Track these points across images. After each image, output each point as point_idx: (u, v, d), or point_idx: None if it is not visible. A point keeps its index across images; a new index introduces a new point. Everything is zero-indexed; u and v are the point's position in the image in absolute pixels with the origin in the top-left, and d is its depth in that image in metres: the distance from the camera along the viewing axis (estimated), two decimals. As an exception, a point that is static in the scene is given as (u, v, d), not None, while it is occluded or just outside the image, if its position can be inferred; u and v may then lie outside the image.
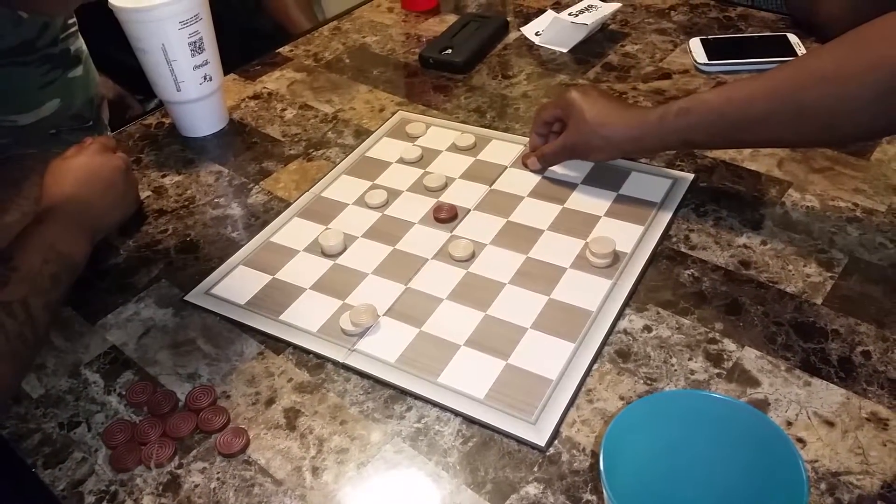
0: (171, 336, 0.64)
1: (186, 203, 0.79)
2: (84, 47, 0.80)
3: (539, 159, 0.75)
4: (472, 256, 0.68)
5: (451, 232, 0.71)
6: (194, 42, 0.82)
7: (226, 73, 0.92)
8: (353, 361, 0.60)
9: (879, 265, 0.63)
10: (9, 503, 0.57)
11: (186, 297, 0.68)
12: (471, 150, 0.81)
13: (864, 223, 0.67)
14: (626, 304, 0.62)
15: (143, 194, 0.81)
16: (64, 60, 0.76)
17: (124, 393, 0.60)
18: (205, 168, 0.84)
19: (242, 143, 0.88)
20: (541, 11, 1.06)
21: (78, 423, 0.58)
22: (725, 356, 0.57)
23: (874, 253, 0.64)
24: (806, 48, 0.89)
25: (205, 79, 0.85)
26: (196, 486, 0.53)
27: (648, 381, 0.56)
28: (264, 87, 0.98)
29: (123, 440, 0.56)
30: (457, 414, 0.55)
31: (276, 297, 0.66)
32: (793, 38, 0.91)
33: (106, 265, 0.72)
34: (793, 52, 0.89)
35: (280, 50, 1.06)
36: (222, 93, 0.90)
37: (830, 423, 0.52)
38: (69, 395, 0.60)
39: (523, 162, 0.77)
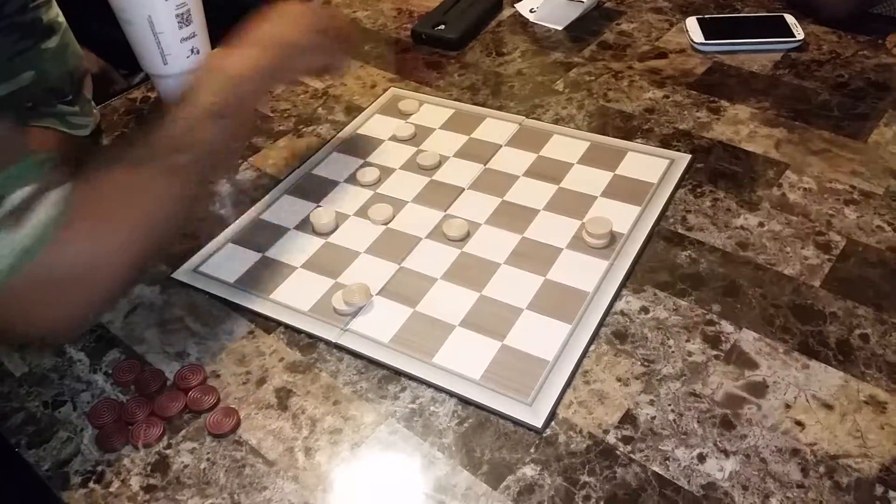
0: (158, 314, 0.63)
1: (173, 179, 0.77)
2: (61, 19, 0.77)
3: None
4: (467, 236, 0.67)
5: (446, 211, 0.70)
6: (181, 14, 0.79)
7: (212, 46, 0.89)
8: (345, 341, 0.59)
9: (877, 248, 0.62)
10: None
11: (174, 275, 0.66)
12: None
13: (861, 206, 0.66)
14: (622, 285, 0.61)
15: (129, 169, 0.79)
16: (35, 30, 0.73)
17: (110, 371, 0.58)
18: (192, 143, 0.82)
19: (230, 118, 0.86)
20: (535, -12, 1.05)
21: (63, 402, 0.57)
22: (723, 338, 0.56)
23: (872, 236, 0.63)
24: (803, 29, 0.88)
25: (192, 52, 0.82)
26: (185, 466, 0.52)
27: (646, 363, 0.55)
28: (253, 62, 0.95)
29: (110, 420, 0.55)
30: (452, 395, 0.54)
31: (267, 276, 0.65)
32: (790, 19, 0.90)
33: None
34: (790, 33, 0.88)
35: (269, 24, 1.04)
36: (210, 66, 0.87)
37: (829, 406, 0.51)
38: (53, 373, 0.59)
39: None
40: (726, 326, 0.57)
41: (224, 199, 0.74)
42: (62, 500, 0.51)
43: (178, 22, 0.79)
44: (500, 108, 0.83)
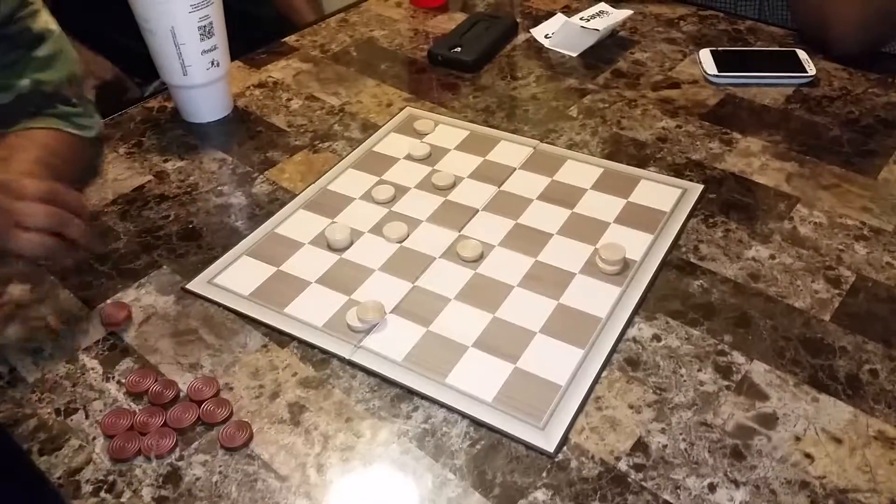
0: (172, 324, 0.63)
1: (189, 189, 0.78)
2: (52, 26, 0.78)
3: None
4: (481, 257, 0.67)
5: (460, 231, 0.70)
6: (204, 26, 0.80)
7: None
8: (359, 358, 0.59)
9: (887, 284, 0.63)
10: (4, 489, 0.55)
11: (188, 286, 0.66)
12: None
13: (871, 242, 0.67)
14: (635, 313, 0.61)
15: (144, 178, 0.79)
16: (25, 40, 0.74)
17: (123, 381, 0.59)
18: (208, 155, 0.83)
19: (246, 131, 0.87)
20: (549, 14, 1.06)
21: (75, 409, 0.57)
22: (734, 369, 0.57)
23: (881, 272, 0.64)
24: (815, 65, 0.90)
25: (212, 64, 0.83)
26: (197, 479, 0.52)
27: (658, 391, 0.56)
28: (270, 76, 0.96)
29: (123, 429, 0.55)
30: (464, 416, 0.55)
31: (281, 290, 0.65)
32: (802, 55, 0.91)
33: (106, 249, 0.71)
34: (802, 68, 0.89)
35: (286, 39, 1.05)
36: (228, 79, 0.88)
37: (838, 440, 0.52)
38: (66, 380, 0.59)
39: None
40: (737, 357, 0.58)
41: (239, 211, 0.75)
42: (73, 509, 0.51)
43: (201, 34, 0.81)
44: (514, 132, 0.84)
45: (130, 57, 1.11)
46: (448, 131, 0.84)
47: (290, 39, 1.05)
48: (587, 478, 0.50)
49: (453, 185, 0.76)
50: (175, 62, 0.82)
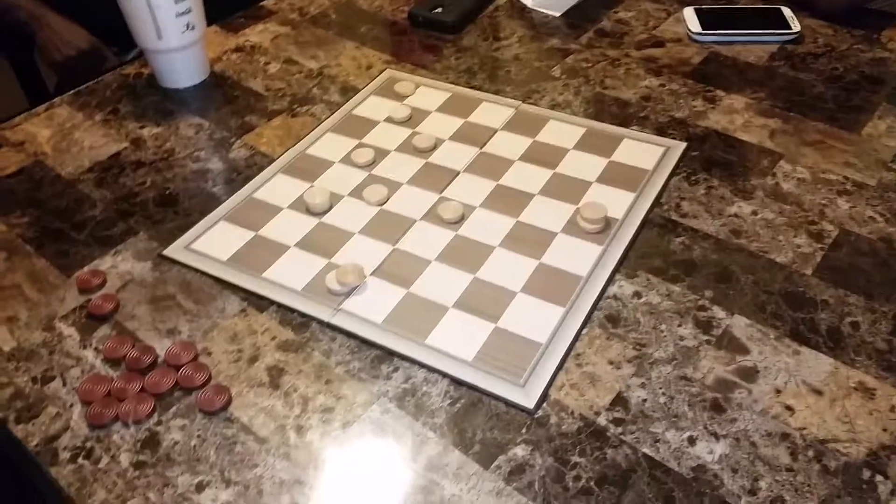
0: (149, 291, 0.62)
1: (165, 155, 0.76)
2: None
3: None
4: (462, 219, 0.66)
5: (440, 193, 0.69)
6: (177, -12, 0.78)
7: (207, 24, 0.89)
8: (338, 321, 0.58)
9: (869, 238, 0.63)
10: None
11: (165, 252, 0.65)
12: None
13: (854, 196, 0.67)
14: (616, 270, 0.61)
15: (121, 145, 0.78)
16: None
17: (101, 348, 0.58)
18: (184, 120, 0.81)
19: (223, 96, 0.85)
20: (533, -26, 1.04)
21: (52, 377, 0.56)
22: (715, 323, 0.57)
23: (864, 226, 0.64)
24: (799, 22, 0.89)
25: (187, 27, 0.82)
26: (176, 443, 0.51)
27: (638, 347, 0.55)
28: (247, 40, 0.95)
29: (100, 396, 0.54)
30: (444, 375, 0.54)
31: (260, 255, 0.64)
32: (787, 12, 0.90)
33: (82, 216, 0.70)
34: (787, 26, 0.88)
35: (264, 3, 1.03)
36: (204, 43, 0.87)
37: (819, 392, 0.52)
38: (43, 348, 0.58)
39: None
40: (718, 312, 0.57)
41: (216, 176, 0.73)
42: (51, 476, 0.50)
43: (174, -3, 0.79)
44: (496, 93, 0.82)
45: (107, 27, 1.09)
46: (429, 93, 0.83)
47: (268, 3, 1.03)
48: (566, 433, 0.50)
49: (434, 148, 0.75)
50: (149, 25, 0.80)
